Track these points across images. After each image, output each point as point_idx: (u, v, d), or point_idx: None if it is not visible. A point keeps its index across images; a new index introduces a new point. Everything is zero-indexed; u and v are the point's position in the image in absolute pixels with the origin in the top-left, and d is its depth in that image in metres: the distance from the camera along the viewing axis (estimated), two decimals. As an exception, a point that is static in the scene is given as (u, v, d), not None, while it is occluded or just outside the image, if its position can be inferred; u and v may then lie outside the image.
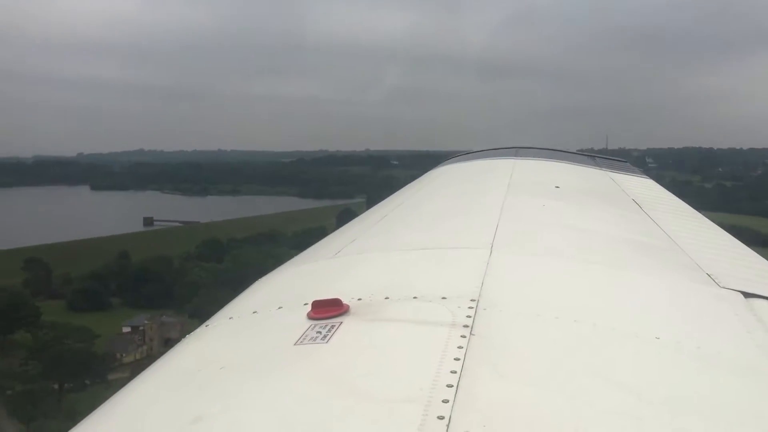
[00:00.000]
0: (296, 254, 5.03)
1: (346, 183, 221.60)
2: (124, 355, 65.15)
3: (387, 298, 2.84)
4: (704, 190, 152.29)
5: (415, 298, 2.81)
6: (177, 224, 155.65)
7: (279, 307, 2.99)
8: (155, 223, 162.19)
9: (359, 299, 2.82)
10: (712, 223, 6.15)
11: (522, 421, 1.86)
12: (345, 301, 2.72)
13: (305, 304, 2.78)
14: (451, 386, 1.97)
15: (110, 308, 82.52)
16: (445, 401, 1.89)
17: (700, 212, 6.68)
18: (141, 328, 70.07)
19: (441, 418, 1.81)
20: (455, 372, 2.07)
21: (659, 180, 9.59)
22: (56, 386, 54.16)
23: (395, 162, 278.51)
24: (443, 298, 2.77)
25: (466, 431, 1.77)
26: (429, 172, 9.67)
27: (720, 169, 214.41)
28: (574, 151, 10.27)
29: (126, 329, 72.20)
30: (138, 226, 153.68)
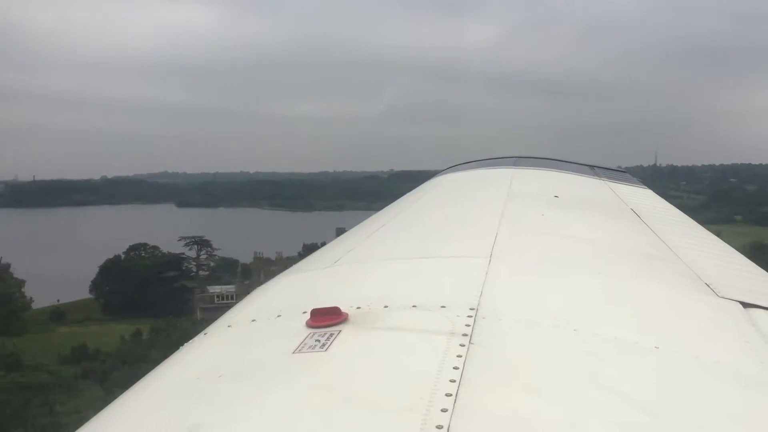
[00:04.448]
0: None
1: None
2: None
3: (386, 306, 2.85)
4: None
5: (414, 306, 2.82)
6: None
7: (278, 316, 3.00)
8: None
9: (358, 308, 2.83)
10: (710, 233, 6.28)
11: (521, 430, 1.86)
12: (344, 309, 2.72)
13: (304, 313, 2.79)
14: (450, 395, 1.97)
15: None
16: (444, 410, 1.89)
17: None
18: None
19: (440, 427, 1.80)
20: (454, 381, 2.07)
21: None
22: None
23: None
24: (442, 306, 2.78)
25: None
26: (427, 182, 9.71)
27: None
28: (573, 161, 10.42)
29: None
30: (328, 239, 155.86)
